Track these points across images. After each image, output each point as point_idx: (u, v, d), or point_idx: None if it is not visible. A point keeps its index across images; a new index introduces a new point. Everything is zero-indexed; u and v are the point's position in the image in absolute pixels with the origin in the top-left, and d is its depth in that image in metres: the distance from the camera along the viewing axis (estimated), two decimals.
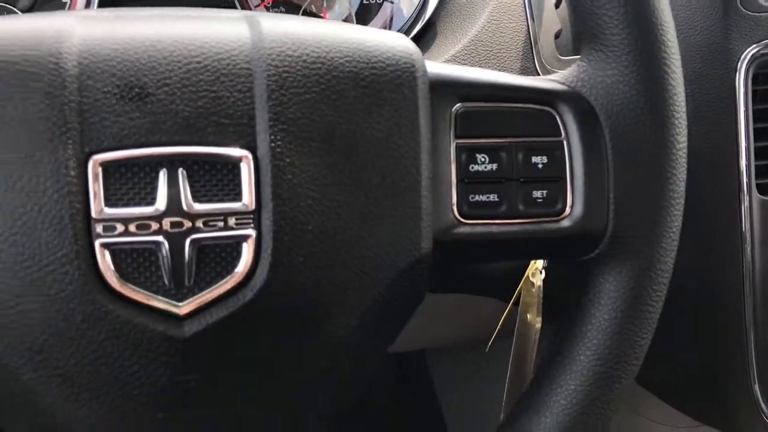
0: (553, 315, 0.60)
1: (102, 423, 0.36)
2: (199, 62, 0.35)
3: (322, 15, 0.72)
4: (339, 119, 0.36)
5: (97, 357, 0.35)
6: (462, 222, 0.40)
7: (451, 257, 0.41)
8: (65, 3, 0.69)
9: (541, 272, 0.60)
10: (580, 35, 0.42)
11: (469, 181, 0.40)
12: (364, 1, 0.74)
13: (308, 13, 0.72)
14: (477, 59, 0.65)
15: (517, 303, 0.61)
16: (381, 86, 0.37)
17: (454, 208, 0.40)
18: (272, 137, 0.35)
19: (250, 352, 0.36)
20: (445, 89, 0.40)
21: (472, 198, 0.40)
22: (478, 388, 1.14)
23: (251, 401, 0.37)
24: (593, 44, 0.42)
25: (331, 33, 0.38)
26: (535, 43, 0.65)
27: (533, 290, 0.62)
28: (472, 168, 0.40)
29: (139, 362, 0.35)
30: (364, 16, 0.75)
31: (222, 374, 0.36)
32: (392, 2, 0.74)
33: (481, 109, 0.41)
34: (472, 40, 0.64)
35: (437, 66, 0.40)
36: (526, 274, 0.60)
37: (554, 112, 0.41)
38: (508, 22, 0.65)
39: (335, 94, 0.37)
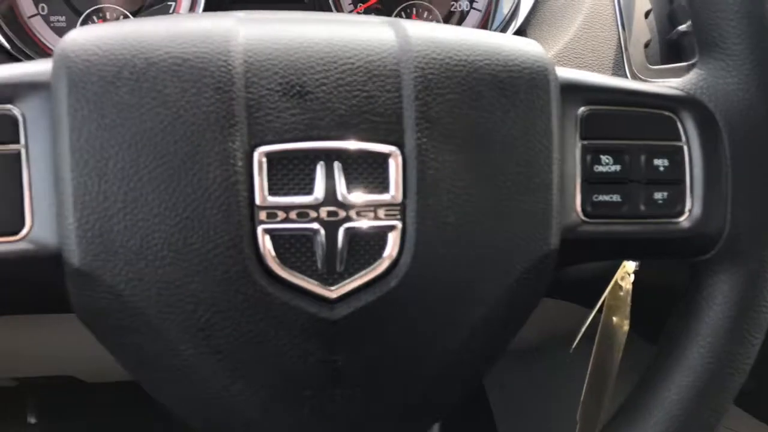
0: (636, 319, 0.62)
1: (254, 398, 0.38)
2: (352, 63, 0.38)
3: None
4: (479, 118, 0.39)
5: (254, 336, 0.37)
6: (585, 221, 0.42)
7: (573, 255, 0.43)
8: (170, 5, 0.72)
9: (630, 276, 0.62)
10: (700, 44, 0.44)
11: (593, 182, 0.42)
12: (451, 9, 0.77)
13: None
14: (568, 67, 0.67)
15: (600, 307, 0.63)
16: (517, 88, 0.40)
17: (578, 207, 0.42)
18: (418, 134, 0.38)
19: (393, 336, 0.39)
20: (572, 92, 0.42)
21: (595, 198, 0.42)
22: (529, 392, 1.15)
23: (390, 382, 0.40)
24: (713, 53, 0.44)
25: (471, 38, 0.40)
26: (626, 51, 0.66)
27: (621, 294, 0.63)
28: (597, 169, 0.42)
29: (292, 342, 0.37)
30: (450, 23, 0.78)
31: (367, 355, 0.39)
32: (479, 10, 0.77)
33: (606, 112, 0.43)
34: (564, 48, 0.66)
35: (565, 70, 0.42)
36: (614, 278, 0.62)
37: (675, 118, 0.43)
38: (599, 31, 0.67)
39: (475, 94, 0.39)
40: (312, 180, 0.37)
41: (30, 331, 0.82)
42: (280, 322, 0.37)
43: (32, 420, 1.10)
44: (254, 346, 0.38)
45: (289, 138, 0.37)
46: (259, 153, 0.36)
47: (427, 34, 0.39)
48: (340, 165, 0.37)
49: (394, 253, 0.38)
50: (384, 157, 0.37)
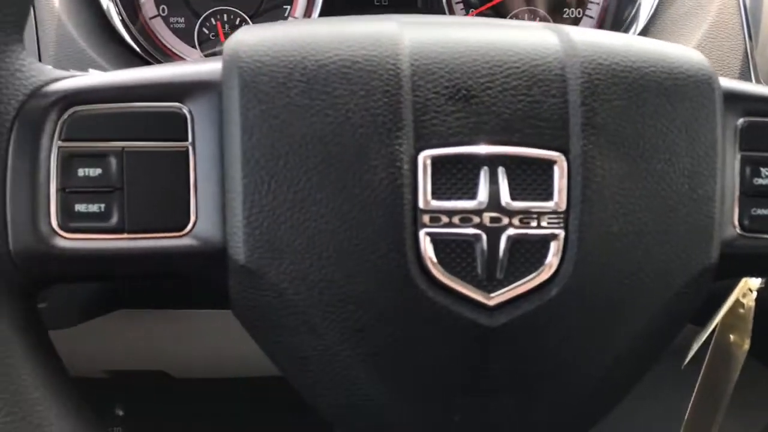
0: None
1: (405, 402, 0.38)
2: (517, 67, 0.37)
3: None
4: (644, 126, 0.38)
5: (411, 339, 0.37)
6: (742, 235, 0.41)
7: (727, 270, 0.41)
8: (285, 9, 0.73)
9: (753, 293, 0.60)
10: None
11: (751, 194, 0.41)
12: (563, 16, 0.76)
13: None
14: None
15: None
16: (682, 96, 0.39)
17: (735, 220, 0.41)
18: (584, 141, 0.37)
19: (549, 345, 0.38)
20: (733, 102, 0.41)
21: (754, 212, 0.41)
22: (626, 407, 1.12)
23: (542, 393, 0.39)
24: None
25: (636, 43, 0.39)
26: (752, 60, 0.64)
27: (741, 311, 0.61)
28: (756, 181, 0.41)
29: (448, 347, 0.37)
30: None
31: (522, 364, 0.38)
32: (592, 17, 0.76)
33: (765, 124, 0.41)
34: None
35: (726, 80, 0.41)
36: (734, 295, 0.60)
37: None
38: (724, 41, 0.65)
39: (641, 101, 0.38)
40: (475, 185, 0.37)
41: (124, 327, 0.84)
42: (437, 327, 0.37)
43: (120, 412, 1.13)
44: (410, 349, 0.37)
45: (454, 142, 0.36)
46: (424, 156, 0.36)
47: (593, 39, 0.39)
48: (504, 170, 0.37)
49: (555, 262, 0.37)
50: (549, 164, 0.37)
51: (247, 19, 0.71)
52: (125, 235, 0.37)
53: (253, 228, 0.36)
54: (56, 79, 0.38)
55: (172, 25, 0.71)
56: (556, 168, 0.37)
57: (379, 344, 0.37)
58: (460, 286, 0.37)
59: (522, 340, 0.38)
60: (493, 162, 0.37)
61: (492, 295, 0.37)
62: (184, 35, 0.71)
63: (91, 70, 0.63)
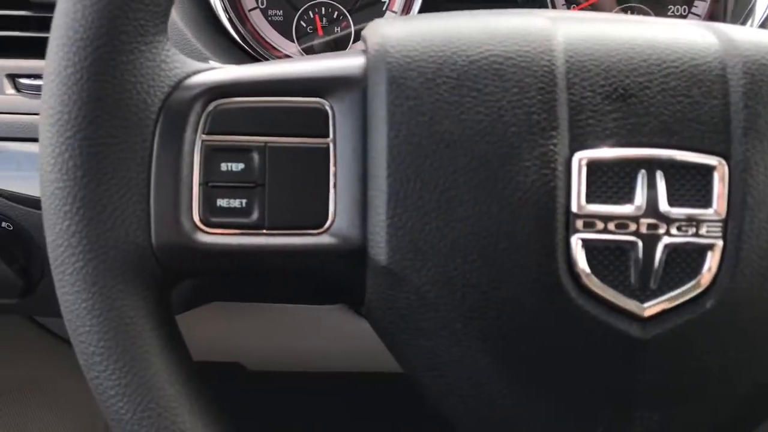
0: None
1: (545, 412, 0.37)
2: (676, 67, 0.35)
3: None
4: None
5: (558, 348, 0.36)
6: None
7: None
8: (384, 3, 0.72)
9: None
10: None
11: None
12: (668, 13, 0.73)
13: None
14: None
15: None
16: None
17: None
18: (746, 146, 0.35)
19: (699, 359, 0.36)
20: None
21: None
22: None
23: (689, 408, 0.37)
24: None
25: None
26: None
27: None
28: None
29: (596, 358, 0.36)
30: None
31: (670, 377, 0.36)
32: (698, 15, 0.73)
33: None
34: None
35: None
36: None
37: None
38: None
39: None
40: (632, 189, 0.35)
41: (204, 319, 0.84)
42: (586, 337, 0.35)
43: None
44: (555, 358, 0.36)
45: (611, 143, 0.35)
46: (579, 158, 0.35)
47: (754, 38, 0.37)
48: (662, 174, 0.35)
49: (712, 273, 0.35)
50: (708, 169, 0.35)
51: (346, 13, 0.70)
52: (264, 232, 0.37)
53: (397, 228, 0.35)
54: (198, 71, 0.37)
55: (270, 18, 0.70)
56: (716, 174, 0.35)
57: (523, 352, 0.36)
58: (612, 295, 0.35)
59: (672, 353, 0.36)
60: (651, 166, 0.35)
61: (645, 305, 0.35)
62: (282, 28, 0.71)
63: (210, 61, 0.63)
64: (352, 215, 0.36)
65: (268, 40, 0.70)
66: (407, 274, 0.35)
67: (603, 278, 0.35)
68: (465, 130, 0.35)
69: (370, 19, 0.72)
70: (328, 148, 0.37)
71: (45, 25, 0.64)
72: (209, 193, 0.36)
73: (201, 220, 0.36)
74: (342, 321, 0.77)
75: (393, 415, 1.29)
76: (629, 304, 0.35)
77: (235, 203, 0.37)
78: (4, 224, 0.61)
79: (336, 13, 0.71)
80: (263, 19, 0.71)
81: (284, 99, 0.37)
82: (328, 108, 0.37)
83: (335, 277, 0.38)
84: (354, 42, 0.71)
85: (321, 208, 0.37)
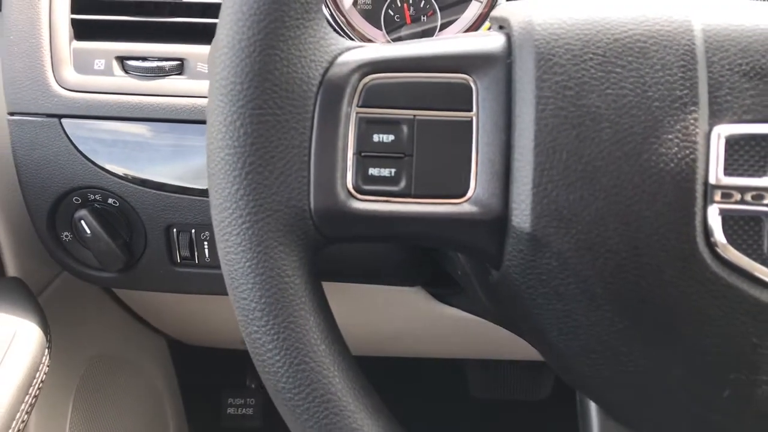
0: None
1: (674, 375, 0.39)
2: None
3: None
4: None
5: (692, 313, 0.37)
6: None
7: None
8: None
9: None
10: None
11: None
12: None
13: None
14: None
15: None
16: None
17: None
18: None
19: None
20: None
21: None
22: None
23: None
24: None
25: None
26: None
27: None
28: None
29: (728, 323, 0.37)
30: None
31: None
32: None
33: None
34: None
35: None
36: None
37: None
38: None
39: None
40: (766, 163, 0.37)
41: None
42: (719, 303, 0.37)
43: (252, 384, 1.16)
44: (689, 323, 0.38)
45: (748, 119, 0.37)
46: (718, 132, 0.37)
47: None
48: None
49: None
50: None
51: (433, 2, 0.72)
52: (410, 200, 0.39)
53: (542, 197, 0.37)
54: (348, 49, 0.40)
55: (359, 6, 0.73)
56: None
57: (658, 316, 0.38)
58: (747, 263, 0.37)
59: None
60: None
61: None
62: (370, 17, 0.73)
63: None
64: (492, 185, 0.39)
65: (359, 29, 0.73)
66: (550, 241, 0.37)
67: (738, 247, 0.37)
68: (610, 104, 0.37)
69: (457, 9, 0.74)
70: (471, 122, 0.39)
71: (149, 10, 0.67)
72: (362, 162, 0.39)
73: (354, 188, 0.39)
74: (419, 305, 0.79)
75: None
76: (762, 273, 0.37)
77: (385, 172, 0.39)
78: (110, 200, 0.64)
79: (422, 2, 0.73)
80: (353, 7, 0.73)
81: (432, 75, 0.39)
82: (472, 84, 0.39)
83: (473, 243, 0.40)
84: (440, 31, 0.73)
85: (463, 178, 0.39)
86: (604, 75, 0.37)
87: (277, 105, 0.37)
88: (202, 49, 0.64)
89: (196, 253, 0.66)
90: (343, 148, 0.38)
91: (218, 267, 0.69)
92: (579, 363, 0.40)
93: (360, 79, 0.39)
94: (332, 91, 0.38)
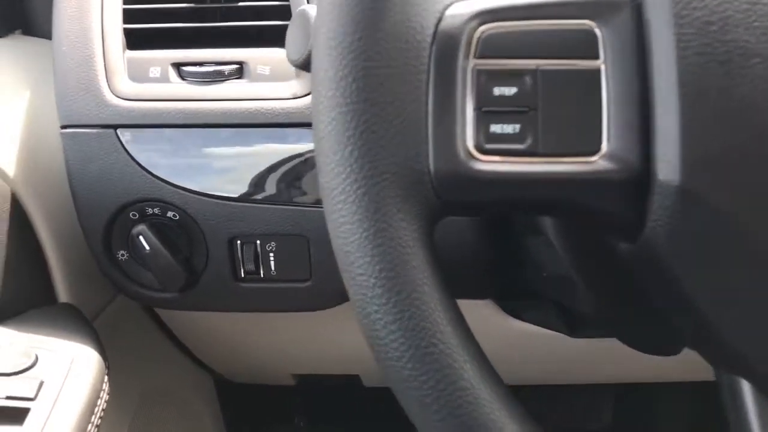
0: None
1: None
2: None
3: None
4: None
5: None
6: None
7: None
8: None
9: None
10: None
11: None
12: None
13: None
14: None
15: None
16: None
17: None
18: None
19: None
20: None
21: None
22: None
23: None
24: None
25: None
26: None
27: None
28: None
29: None
30: None
31: None
32: None
33: None
34: None
35: None
36: None
37: None
38: None
39: None
40: None
41: (316, 328, 0.82)
42: None
43: (301, 423, 1.11)
44: None
45: None
46: None
47: None
48: None
49: None
50: None
51: None
52: (537, 159, 0.35)
53: (691, 144, 0.33)
54: None
55: None
56: None
57: None
58: None
59: None
60: None
61: None
62: None
63: None
64: (628, 138, 0.35)
65: None
66: (704, 194, 0.33)
67: None
68: (759, 37, 0.33)
69: None
70: (599, 71, 0.35)
71: (200, 16, 0.64)
72: (483, 118, 0.35)
73: (475, 147, 0.35)
74: (488, 320, 0.75)
75: None
76: None
77: (509, 129, 0.35)
78: (170, 213, 0.61)
79: None
80: None
81: (553, 22, 0.35)
82: (596, 30, 0.35)
83: (608, 207, 0.36)
84: None
85: (594, 132, 0.35)
86: (750, 7, 0.33)
87: (390, 57, 0.34)
88: (261, 53, 0.61)
89: (261, 267, 0.62)
90: (462, 103, 0.35)
91: (286, 281, 0.66)
92: (735, 335, 0.36)
93: (476, 29, 0.35)
94: (447, 42, 0.35)
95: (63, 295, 0.66)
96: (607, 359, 0.85)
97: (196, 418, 0.95)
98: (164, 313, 0.79)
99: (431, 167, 0.34)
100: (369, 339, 0.35)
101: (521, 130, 0.35)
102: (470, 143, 0.35)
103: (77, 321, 0.63)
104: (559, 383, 1.05)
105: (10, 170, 0.62)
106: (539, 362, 0.86)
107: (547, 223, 0.50)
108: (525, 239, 0.60)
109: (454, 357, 0.34)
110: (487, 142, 0.35)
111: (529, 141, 0.35)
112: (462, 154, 0.35)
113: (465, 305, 0.74)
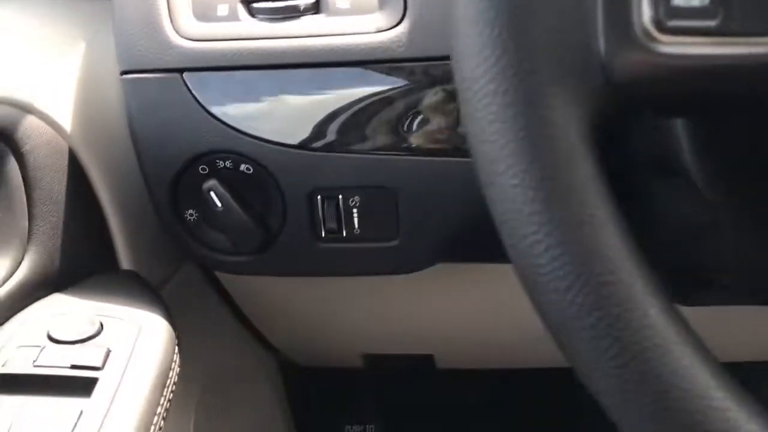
0: None
1: None
2: None
3: None
4: None
5: None
6: None
7: None
8: None
9: None
10: None
11: None
12: None
13: None
14: None
15: None
16: None
17: None
18: None
19: None
20: None
21: None
22: None
23: None
24: None
25: None
26: None
27: None
28: None
29: None
30: None
31: None
32: None
33: None
34: None
35: None
36: None
37: None
38: None
39: None
40: None
41: (390, 302, 0.76)
42: None
43: (371, 404, 1.04)
44: None
45: None
46: None
47: None
48: None
49: None
50: None
51: None
52: (730, 39, 0.28)
53: None
54: None
55: None
56: None
57: None
58: None
59: None
60: None
61: None
62: None
63: None
64: None
65: None
66: None
67: None
68: None
69: None
70: None
71: None
72: None
73: (654, 24, 0.28)
74: None
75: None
76: None
77: (695, 1, 0.28)
78: (243, 167, 0.55)
79: None
80: None
81: None
82: None
83: None
84: None
85: None
86: None
87: None
88: None
89: (343, 225, 0.56)
90: None
91: (370, 240, 0.59)
92: None
93: None
94: None
95: (125, 262, 0.60)
96: (716, 332, 0.77)
97: (261, 401, 0.89)
98: (230, 287, 0.73)
99: (601, 49, 0.27)
100: (523, 268, 0.28)
101: (711, 3, 0.28)
102: (648, 19, 0.28)
103: (143, 288, 0.57)
104: None
105: (68, 125, 0.56)
106: None
107: (695, 134, 0.42)
108: (650, 185, 0.52)
109: (636, 290, 0.27)
110: (668, 18, 0.28)
111: (721, 16, 0.28)
112: (638, 32, 0.27)
113: None
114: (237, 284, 0.72)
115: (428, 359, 0.93)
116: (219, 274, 0.70)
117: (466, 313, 0.78)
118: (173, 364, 0.51)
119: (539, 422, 1.05)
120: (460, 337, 0.85)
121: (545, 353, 0.91)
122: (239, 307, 0.77)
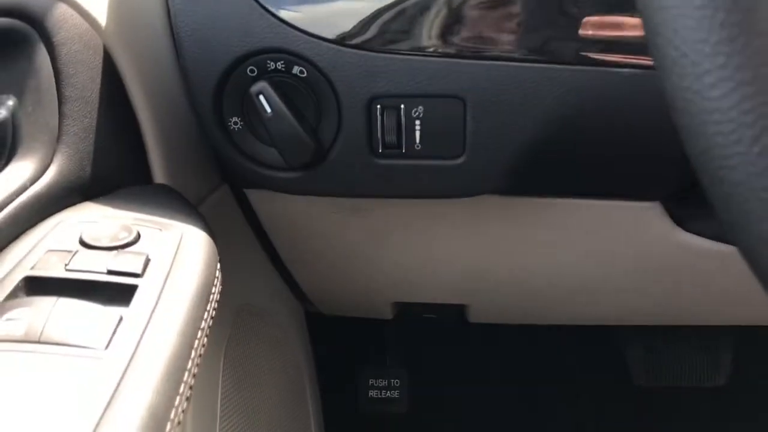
0: None
1: None
2: None
3: None
4: None
5: None
6: None
7: None
8: None
9: None
10: None
11: None
12: None
13: None
14: None
15: None
16: None
17: None
18: None
19: None
20: None
21: None
22: None
23: None
24: None
25: None
26: None
27: None
28: None
29: None
30: None
31: None
32: None
33: None
34: None
35: None
36: None
37: None
38: None
39: None
40: None
41: (426, 246, 0.71)
42: None
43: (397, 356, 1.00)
44: None
45: None
46: None
47: None
48: None
49: None
50: None
51: None
52: None
53: None
54: None
55: None
56: None
57: None
58: None
59: None
60: None
61: None
62: None
63: None
64: None
65: None
66: None
67: None
68: None
69: None
70: None
71: None
72: None
73: None
74: (652, 230, 0.62)
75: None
76: None
77: None
78: (296, 69, 0.49)
79: None
80: None
81: None
82: None
83: None
84: None
85: None
86: None
87: None
88: None
89: (404, 139, 0.51)
90: None
91: (432, 157, 0.54)
92: None
93: None
94: None
95: (159, 175, 0.55)
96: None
97: (288, 349, 0.84)
98: (265, 218, 0.68)
99: None
100: (695, 125, 0.23)
101: None
102: None
103: (181, 200, 0.52)
104: (693, 323, 0.93)
105: (103, 18, 0.51)
106: (690, 287, 0.74)
107: None
108: None
109: None
110: None
111: None
112: None
113: (624, 210, 0.62)
114: (273, 216, 0.67)
115: (460, 310, 0.88)
116: (255, 203, 0.65)
117: (507, 260, 0.74)
118: (216, 280, 0.47)
119: (565, 380, 1.01)
120: (496, 287, 0.80)
121: (580, 308, 0.86)
122: (271, 243, 0.73)
